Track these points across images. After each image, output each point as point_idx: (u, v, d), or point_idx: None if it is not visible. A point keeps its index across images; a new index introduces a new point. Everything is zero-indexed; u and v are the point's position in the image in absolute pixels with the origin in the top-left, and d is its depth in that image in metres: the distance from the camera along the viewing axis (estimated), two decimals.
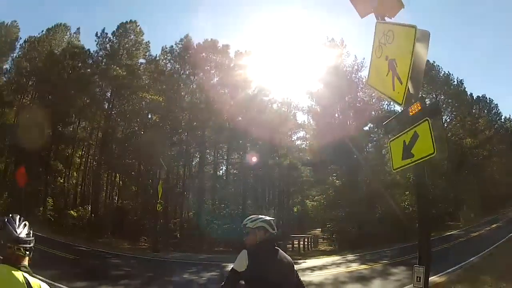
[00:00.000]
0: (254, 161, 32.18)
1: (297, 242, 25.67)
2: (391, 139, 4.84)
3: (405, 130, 4.41)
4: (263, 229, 3.40)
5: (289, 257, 3.49)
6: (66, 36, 36.88)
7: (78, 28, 38.01)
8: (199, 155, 37.54)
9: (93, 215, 30.44)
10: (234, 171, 41.32)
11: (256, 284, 3.19)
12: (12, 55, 34.36)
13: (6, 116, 32.22)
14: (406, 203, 28.52)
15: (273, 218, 3.53)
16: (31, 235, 2.31)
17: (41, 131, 29.25)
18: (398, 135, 4.59)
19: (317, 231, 38.57)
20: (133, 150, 32.42)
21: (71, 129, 34.09)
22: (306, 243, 26.74)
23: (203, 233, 28.90)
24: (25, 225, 2.31)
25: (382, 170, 30.86)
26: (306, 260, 18.74)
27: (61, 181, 32.42)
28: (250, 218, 3.47)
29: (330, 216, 31.05)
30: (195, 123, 34.53)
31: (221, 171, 41.62)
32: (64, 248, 15.49)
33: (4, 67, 33.99)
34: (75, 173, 34.84)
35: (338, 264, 16.59)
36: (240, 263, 3.22)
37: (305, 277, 12.89)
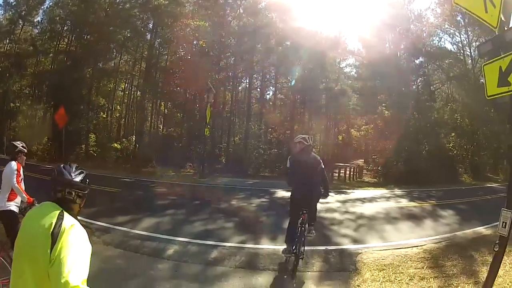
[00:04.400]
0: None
1: (342, 171, 25.08)
2: (485, 63, 4.29)
3: (502, 56, 3.95)
4: (301, 143, 6.24)
5: (318, 157, 6.34)
6: None
7: None
8: (247, 80, 36.83)
9: (137, 145, 30.66)
10: (281, 96, 40.56)
11: (294, 172, 6.14)
12: (42, 7, 33.80)
13: (43, 64, 32.49)
14: (451, 144, 28.05)
15: (308, 136, 6.40)
16: (86, 182, 2.32)
17: (80, 71, 29.63)
18: (493, 60, 4.10)
19: (360, 161, 37.91)
20: (179, 76, 31.85)
21: (112, 64, 33.74)
22: (351, 172, 26.18)
23: (250, 158, 29.18)
24: (81, 172, 2.33)
25: (431, 107, 30.10)
26: (354, 190, 18.24)
27: (104, 116, 32.77)
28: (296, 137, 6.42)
29: (376, 147, 30.55)
30: (242, 47, 33.26)
31: (268, 96, 40.96)
32: (106, 182, 15.15)
33: (36, 20, 33.79)
34: (118, 106, 35.09)
35: (387, 198, 15.91)
36: (288, 163, 6.23)
37: (356, 208, 12.50)
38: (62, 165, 2.30)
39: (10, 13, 32.78)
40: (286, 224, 6.64)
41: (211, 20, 32.18)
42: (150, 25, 33.81)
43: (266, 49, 33.52)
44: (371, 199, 15.24)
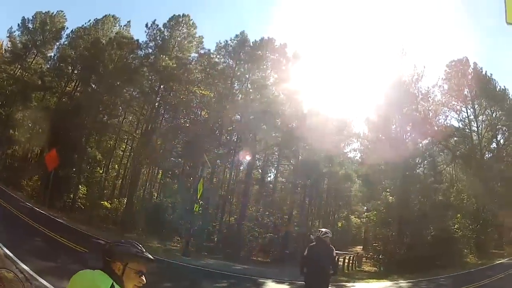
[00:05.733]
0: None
1: (341, 260, 22.79)
2: None
3: None
4: (326, 237, 7.61)
5: (331, 247, 7.51)
6: (115, 28, 36.06)
7: (129, 21, 37.14)
8: (247, 159, 35.70)
9: (126, 209, 29.35)
10: (283, 180, 39.23)
11: (308, 260, 7.54)
12: (57, 44, 34.33)
13: (48, 102, 32.27)
14: (456, 226, 26.61)
15: (329, 231, 7.93)
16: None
17: (80, 119, 29.25)
18: None
19: (358, 248, 36.49)
20: (177, 144, 31.05)
21: (116, 121, 33.44)
22: (350, 261, 24.30)
23: (243, 241, 27.62)
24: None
25: (436, 189, 29.17)
26: (354, 284, 15.95)
27: (100, 172, 31.94)
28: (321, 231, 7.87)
29: (378, 234, 29.14)
30: (246, 123, 32.51)
31: (269, 178, 39.67)
32: (78, 238, 14.07)
33: (49, 55, 34.16)
34: (116, 166, 34.30)
35: None
36: (305, 251, 7.70)
37: None
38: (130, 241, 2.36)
39: (26, 37, 33.04)
40: None
41: (217, 90, 31.92)
42: (156, 88, 33.63)
43: (270, 129, 32.75)
44: None
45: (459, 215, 27.51)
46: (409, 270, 20.08)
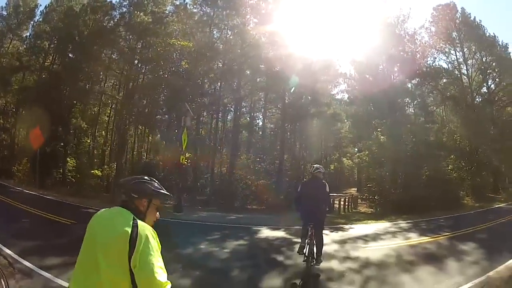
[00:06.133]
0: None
1: (336, 202, 22.82)
2: None
3: None
4: (319, 173, 7.79)
5: (323, 183, 7.63)
6: None
7: None
8: (233, 105, 34.53)
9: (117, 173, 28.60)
10: (271, 125, 38.81)
11: (302, 193, 7.64)
12: (32, 23, 33.49)
13: (28, 81, 31.55)
14: (450, 167, 27.09)
15: (322, 166, 8.19)
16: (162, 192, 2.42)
17: (60, 92, 28.70)
18: None
19: (352, 190, 36.72)
20: (159, 99, 29.93)
21: (97, 87, 32.37)
22: (345, 203, 23.99)
23: (236, 190, 27.26)
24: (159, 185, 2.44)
25: (427, 129, 29.30)
26: (352, 226, 15.41)
27: (88, 141, 31.54)
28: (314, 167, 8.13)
29: (372, 174, 29.01)
30: (229, 70, 31.28)
31: (257, 124, 38.98)
32: (65, 211, 13.42)
33: (25, 35, 33.44)
34: (103, 132, 33.73)
35: (393, 234, 13.28)
36: (299, 187, 7.96)
37: (359, 252, 9.88)
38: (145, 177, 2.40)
39: (1, 24, 32.59)
40: (264, 282, 6.93)
41: (195, 40, 30.53)
42: (134, 46, 32.28)
43: (254, 73, 31.84)
44: (375, 237, 12.63)
45: (453, 156, 27.58)
46: (405, 211, 19.72)
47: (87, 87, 30.90)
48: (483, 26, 31.92)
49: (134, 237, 2.04)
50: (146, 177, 2.37)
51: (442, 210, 19.34)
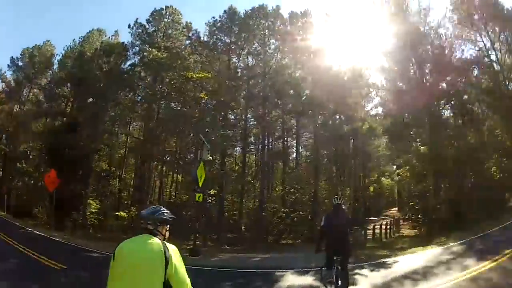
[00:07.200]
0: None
1: (378, 227, 20.85)
2: None
3: None
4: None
5: (345, 213, 8.38)
6: (103, 39, 36.27)
7: (116, 31, 37.52)
8: (261, 136, 32.52)
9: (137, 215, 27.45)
10: (307, 153, 36.99)
11: (327, 228, 7.29)
12: (50, 71, 35.26)
13: (47, 126, 32.77)
14: (494, 168, 24.14)
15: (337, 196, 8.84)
16: (166, 217, 2.97)
17: (80, 135, 28.97)
18: None
19: (393, 210, 36.34)
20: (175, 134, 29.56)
21: (117, 129, 33.19)
22: (387, 227, 21.84)
23: (268, 225, 25.64)
24: (163, 211, 2.98)
25: (467, 130, 27.14)
26: (397, 258, 12.55)
27: (114, 184, 31.91)
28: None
29: (413, 191, 27.34)
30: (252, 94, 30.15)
31: (291, 152, 37.43)
32: (67, 256, 12.80)
33: (43, 83, 34.81)
34: (127, 175, 34.29)
35: (446, 264, 10.44)
36: (323, 221, 7.52)
37: None
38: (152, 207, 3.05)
39: (18, 74, 34.27)
40: None
41: (214, 70, 29.94)
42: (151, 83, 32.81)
43: (280, 97, 30.23)
44: (425, 272, 9.70)
45: (495, 155, 24.78)
46: (452, 228, 17.63)
47: (111, 129, 31.87)
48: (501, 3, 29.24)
49: (167, 255, 2.63)
50: (161, 207, 2.99)
51: (490, 220, 17.18)
